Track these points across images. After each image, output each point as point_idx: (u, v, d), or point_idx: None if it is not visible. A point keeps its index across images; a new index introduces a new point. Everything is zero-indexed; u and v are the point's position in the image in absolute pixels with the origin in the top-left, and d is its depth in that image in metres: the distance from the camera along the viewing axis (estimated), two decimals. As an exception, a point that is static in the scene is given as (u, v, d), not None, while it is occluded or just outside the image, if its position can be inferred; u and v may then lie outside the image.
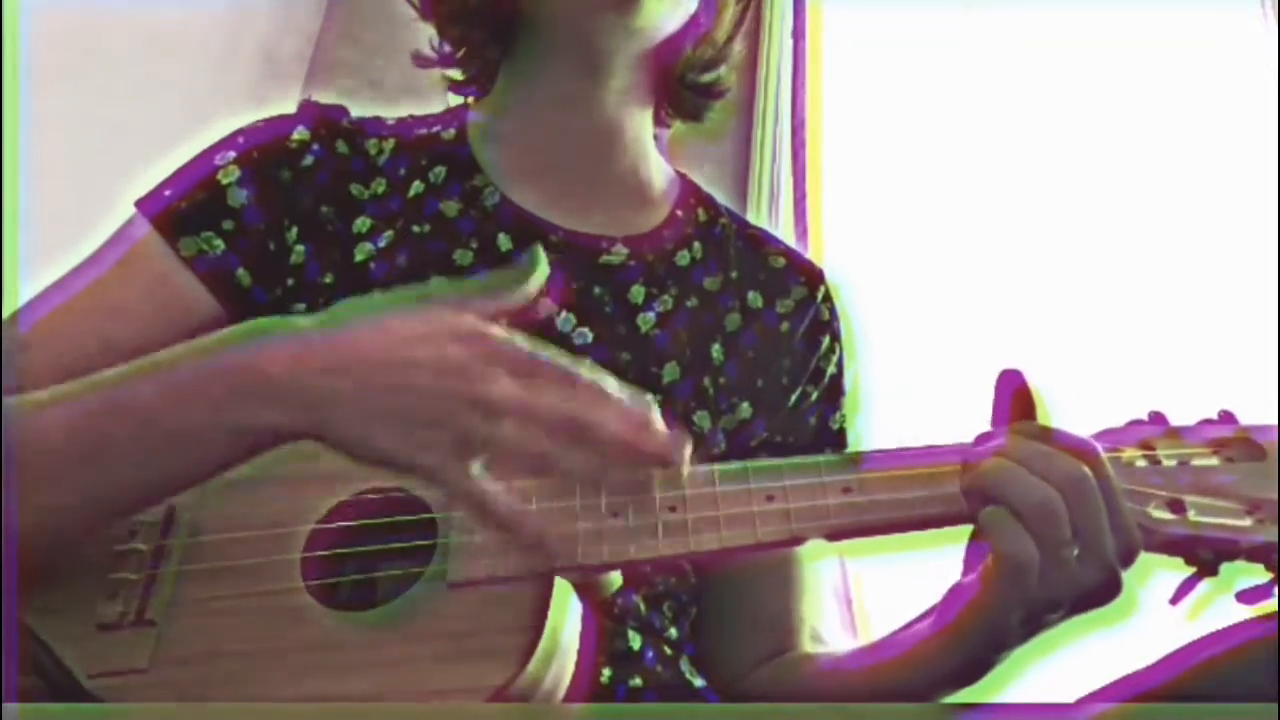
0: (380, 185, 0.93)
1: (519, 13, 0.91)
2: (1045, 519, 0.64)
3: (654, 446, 0.62)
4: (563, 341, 0.88)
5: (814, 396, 0.97)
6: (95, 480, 0.65)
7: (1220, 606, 0.68)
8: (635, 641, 0.81)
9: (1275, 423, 0.71)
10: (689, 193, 1.02)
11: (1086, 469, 0.65)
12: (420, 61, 0.99)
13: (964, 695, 0.74)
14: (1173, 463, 0.69)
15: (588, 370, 0.62)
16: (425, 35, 0.98)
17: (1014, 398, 0.70)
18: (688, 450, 0.63)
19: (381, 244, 0.90)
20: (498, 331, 0.62)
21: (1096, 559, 0.64)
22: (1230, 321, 1.65)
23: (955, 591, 0.71)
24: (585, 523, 0.67)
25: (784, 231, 1.95)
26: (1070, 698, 0.65)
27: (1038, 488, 0.65)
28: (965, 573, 0.71)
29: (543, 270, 0.65)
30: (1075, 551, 0.64)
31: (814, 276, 1.01)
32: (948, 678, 0.73)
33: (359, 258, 0.89)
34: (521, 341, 0.62)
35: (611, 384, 0.63)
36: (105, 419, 0.65)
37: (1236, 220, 1.76)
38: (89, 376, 0.68)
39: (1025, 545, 0.64)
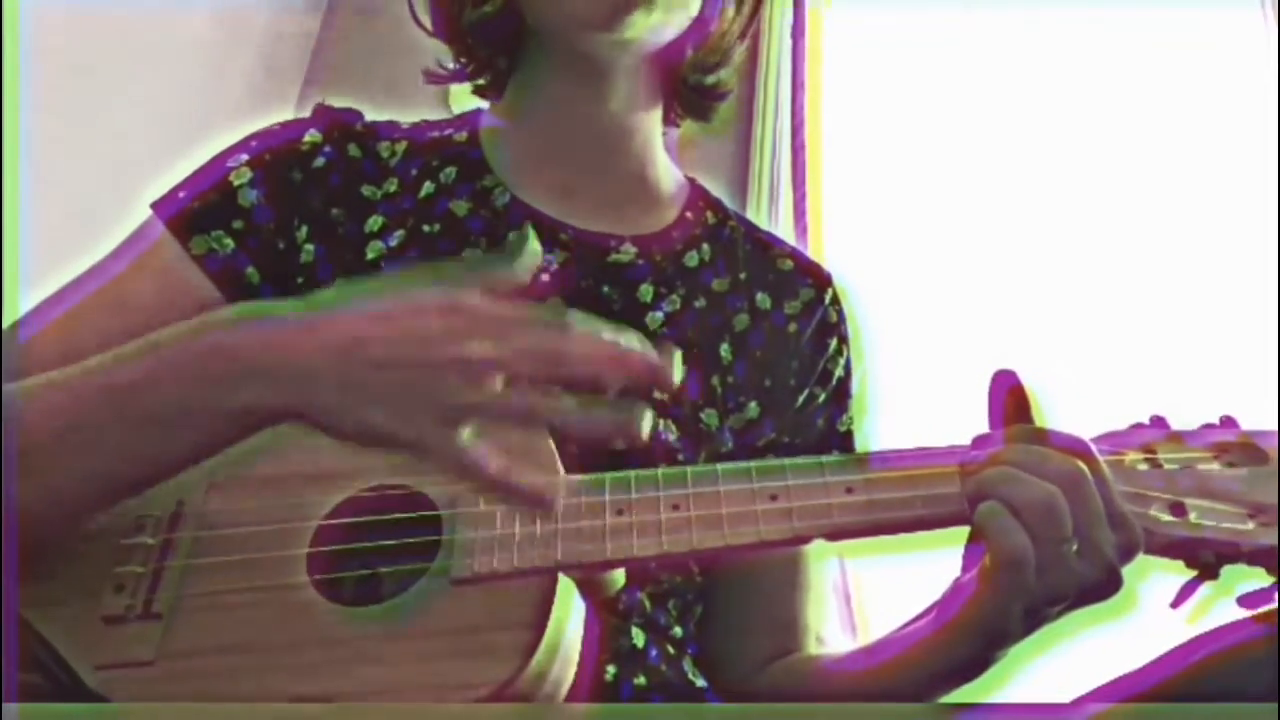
0: (392, 184, 0.93)
1: (524, 27, 0.92)
2: (1044, 516, 0.64)
3: (640, 365, 0.61)
4: None
5: (821, 398, 0.97)
6: (83, 464, 0.65)
7: (1221, 610, 0.68)
8: (639, 639, 0.82)
9: (1276, 427, 0.71)
10: (698, 195, 1.03)
11: (1082, 466, 0.66)
12: (431, 78, 1.00)
13: (963, 693, 0.74)
14: (1174, 466, 0.70)
15: (566, 314, 0.61)
16: (425, 38, 0.99)
17: (1008, 398, 0.70)
18: (678, 366, 0.61)
19: (393, 243, 0.90)
20: (473, 300, 0.61)
21: (1096, 554, 0.65)
22: (1231, 323, 1.65)
23: (954, 589, 0.71)
24: (589, 520, 0.67)
25: (784, 231, 1.95)
26: (1069, 698, 0.65)
27: (1036, 486, 0.65)
28: (964, 573, 0.71)
29: (533, 250, 0.65)
30: (1075, 548, 0.65)
31: (822, 279, 1.02)
32: (947, 675, 0.74)
33: (370, 256, 0.89)
34: (499, 306, 0.61)
35: (596, 325, 0.61)
36: (92, 402, 0.65)
37: (1237, 222, 1.76)
38: (79, 363, 0.68)
39: (1020, 540, 0.64)
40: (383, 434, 0.61)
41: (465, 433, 0.60)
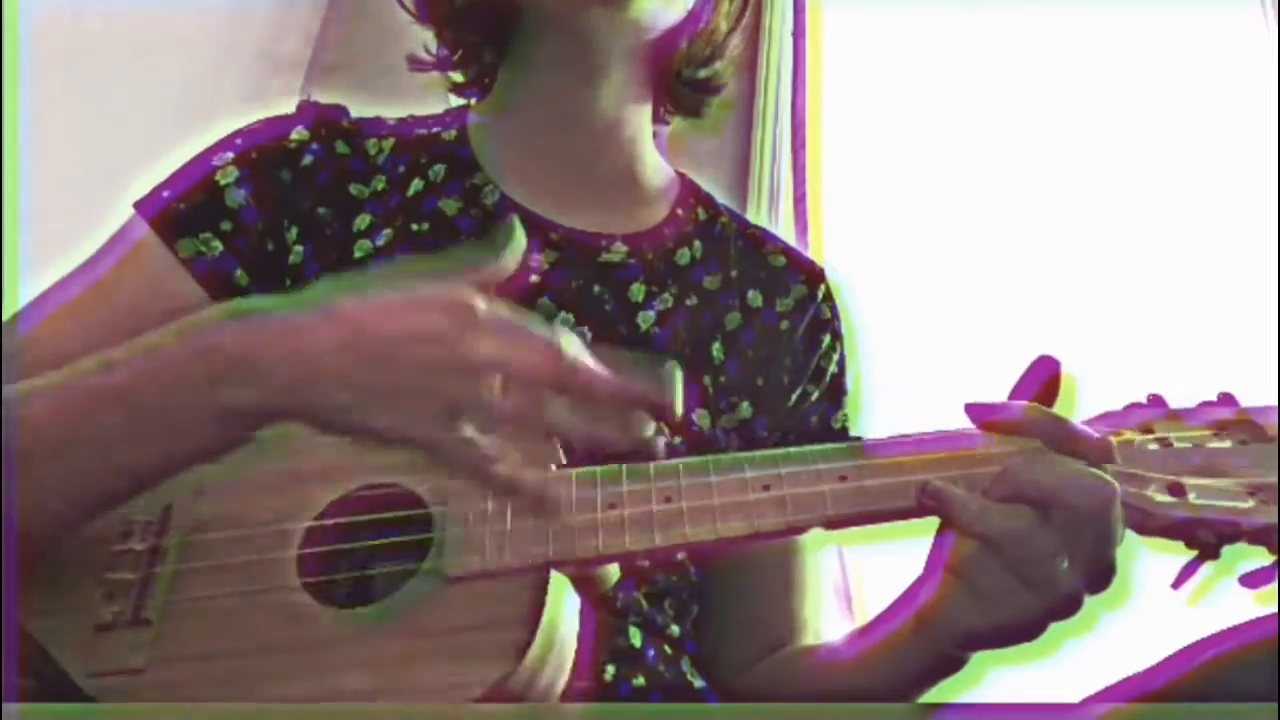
0: (380, 182, 0.93)
1: (514, 14, 0.90)
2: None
3: (642, 395, 0.61)
4: None
5: (815, 396, 0.96)
6: (75, 471, 0.64)
7: (1223, 590, 0.67)
8: (636, 638, 0.81)
9: (1275, 405, 0.71)
10: (689, 192, 1.02)
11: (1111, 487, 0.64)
12: (416, 65, 0.99)
13: (963, 692, 0.74)
14: (1172, 445, 0.69)
15: (566, 339, 0.61)
16: (424, 35, 0.98)
17: (1044, 385, 0.69)
18: (679, 392, 0.61)
19: (380, 242, 0.89)
20: (474, 298, 0.60)
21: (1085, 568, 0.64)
22: (1231, 325, 1.64)
23: (927, 584, 0.70)
24: (580, 515, 0.67)
25: (784, 231, 1.95)
26: (1070, 697, 0.64)
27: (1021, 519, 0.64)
28: (929, 564, 0.70)
29: (519, 242, 0.64)
30: (1065, 563, 0.64)
31: (814, 275, 1.01)
32: (928, 671, 0.73)
33: (358, 255, 0.89)
34: (500, 307, 0.61)
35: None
36: (86, 406, 0.64)
37: (1236, 221, 1.76)
38: (72, 365, 0.67)
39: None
40: (387, 433, 0.60)
41: (469, 430, 0.59)
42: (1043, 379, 0.69)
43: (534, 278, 0.90)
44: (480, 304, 0.60)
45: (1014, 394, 0.70)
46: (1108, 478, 0.64)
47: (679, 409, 0.61)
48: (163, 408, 0.63)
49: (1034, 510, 0.64)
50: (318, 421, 0.61)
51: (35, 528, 0.66)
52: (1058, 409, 0.69)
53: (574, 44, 0.89)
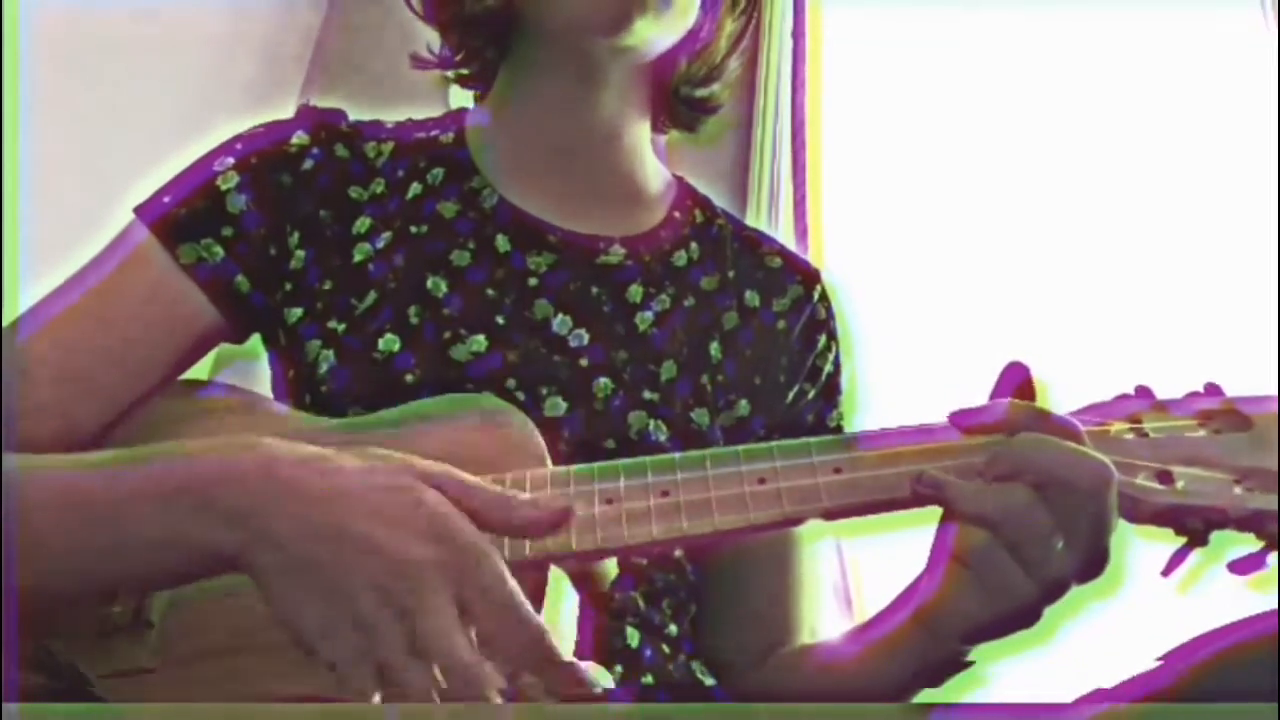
0: (379, 185, 0.93)
1: (518, 20, 0.91)
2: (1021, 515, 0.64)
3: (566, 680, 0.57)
4: (559, 344, 0.88)
5: (811, 395, 0.97)
6: (48, 570, 0.62)
7: (1212, 578, 0.68)
8: (634, 639, 0.81)
9: (1260, 394, 0.71)
10: (686, 195, 1.02)
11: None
12: (419, 63, 0.99)
13: (961, 689, 0.74)
14: (1160, 435, 0.69)
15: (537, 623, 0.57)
16: (426, 34, 0.98)
17: (1016, 392, 0.70)
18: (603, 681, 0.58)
19: (379, 245, 0.90)
20: (483, 556, 0.57)
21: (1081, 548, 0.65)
22: (1230, 324, 1.64)
23: (928, 581, 0.70)
24: (578, 510, 0.67)
25: (784, 231, 1.95)
26: (1069, 697, 0.65)
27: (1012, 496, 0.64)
28: (932, 557, 0.70)
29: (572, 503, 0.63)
30: (1060, 543, 0.64)
31: (810, 276, 1.01)
32: (929, 668, 0.73)
33: (357, 258, 0.89)
34: (487, 561, 0.57)
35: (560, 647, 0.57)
36: (57, 515, 0.61)
37: (1236, 221, 1.76)
38: (54, 457, 0.66)
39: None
40: (303, 639, 0.57)
41: (377, 696, 0.56)
42: (1014, 385, 0.70)
43: (531, 280, 0.91)
44: (469, 545, 0.57)
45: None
46: (1105, 460, 0.64)
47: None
48: (138, 536, 0.60)
49: (1030, 488, 0.64)
50: (260, 588, 0.58)
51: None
52: None
53: (573, 58, 0.89)
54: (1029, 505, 0.64)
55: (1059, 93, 1.97)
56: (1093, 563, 0.65)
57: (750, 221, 1.15)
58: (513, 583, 0.57)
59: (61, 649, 0.69)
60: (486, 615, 0.56)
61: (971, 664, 0.73)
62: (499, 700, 0.55)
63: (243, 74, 2.12)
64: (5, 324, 0.85)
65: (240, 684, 0.66)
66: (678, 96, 0.96)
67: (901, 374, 1.62)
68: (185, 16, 1.96)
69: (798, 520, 0.68)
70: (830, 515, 0.68)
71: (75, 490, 0.62)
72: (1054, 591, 0.65)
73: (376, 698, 0.56)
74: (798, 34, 2.12)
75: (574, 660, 0.58)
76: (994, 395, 0.70)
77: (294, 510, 0.57)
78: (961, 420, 0.68)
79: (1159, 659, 0.62)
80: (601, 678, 0.58)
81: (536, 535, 0.63)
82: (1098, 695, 0.63)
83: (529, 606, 0.57)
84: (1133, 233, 1.83)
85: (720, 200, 1.06)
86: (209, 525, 0.58)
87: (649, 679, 0.80)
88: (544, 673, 0.57)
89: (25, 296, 0.88)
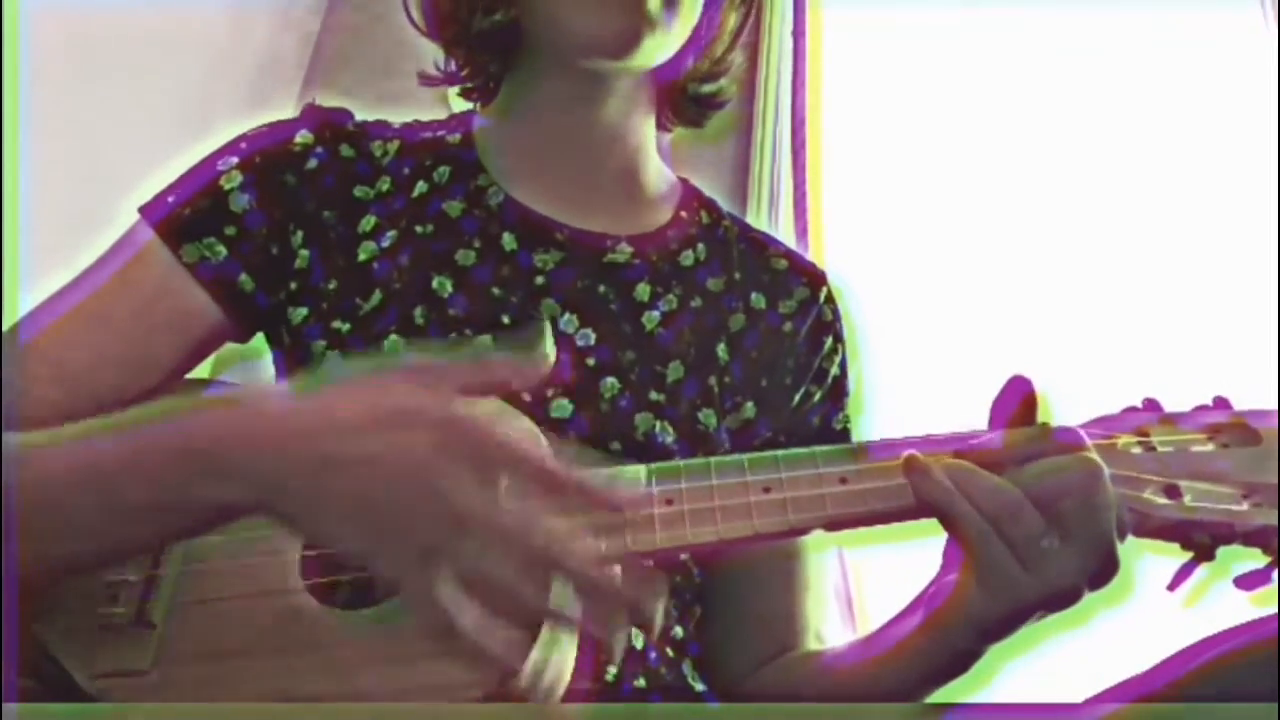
0: (385, 184, 0.93)
1: (523, 35, 0.91)
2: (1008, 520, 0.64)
3: (627, 591, 0.57)
4: (567, 342, 0.88)
5: (817, 397, 0.97)
6: (51, 541, 0.63)
7: (1218, 592, 0.68)
8: (639, 640, 0.81)
9: (1271, 408, 0.71)
10: (692, 196, 1.03)
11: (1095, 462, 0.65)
12: (425, 80, 0.99)
13: (959, 687, 0.74)
14: (1168, 449, 0.69)
15: (566, 465, 0.58)
16: (425, 36, 0.98)
17: (1020, 404, 0.70)
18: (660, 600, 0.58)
19: (385, 243, 0.90)
20: (472, 416, 0.57)
21: (1087, 543, 0.65)
22: (1231, 327, 1.64)
23: (938, 586, 0.71)
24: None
25: (784, 232, 1.95)
26: (1071, 698, 0.65)
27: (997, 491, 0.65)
28: (944, 566, 0.71)
29: (548, 349, 0.63)
30: (1054, 542, 0.64)
31: (816, 278, 1.02)
32: (937, 672, 0.73)
33: (362, 257, 0.89)
34: (500, 431, 0.57)
35: (599, 477, 0.58)
36: (65, 483, 0.63)
37: (1236, 221, 1.76)
38: (58, 429, 0.66)
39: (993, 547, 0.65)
40: (361, 561, 0.58)
41: (444, 585, 0.55)
42: (1018, 400, 0.70)
43: (539, 279, 0.90)
44: (473, 428, 0.57)
45: (991, 419, 0.71)
46: (1093, 457, 0.65)
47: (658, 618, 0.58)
48: (142, 498, 0.61)
49: (1018, 488, 0.65)
50: (282, 522, 0.60)
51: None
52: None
53: (579, 73, 0.90)
54: (1020, 501, 0.64)
55: (1059, 93, 1.97)
56: (1100, 568, 0.65)
57: (750, 221, 1.15)
58: (502, 427, 0.57)
59: (58, 645, 0.69)
60: (502, 461, 0.57)
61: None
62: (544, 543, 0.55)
63: (242, 75, 2.12)
64: (7, 324, 0.85)
65: (235, 688, 0.66)
66: (685, 94, 0.96)
67: (901, 374, 1.62)
68: (185, 16, 1.95)
69: (803, 530, 0.68)
70: (835, 525, 0.68)
71: (81, 461, 0.63)
72: (1065, 595, 0.65)
73: (445, 586, 0.55)
74: (798, 34, 2.13)
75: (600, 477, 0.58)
76: (996, 410, 0.71)
77: (295, 449, 0.58)
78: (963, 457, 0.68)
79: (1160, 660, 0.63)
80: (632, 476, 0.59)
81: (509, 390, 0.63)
82: (1099, 696, 0.63)
83: (534, 440, 0.58)
84: (1132, 231, 1.83)
85: (720, 200, 1.06)
86: (218, 485, 0.59)
87: (641, 682, 0.80)
88: (571, 493, 0.57)
89: (25, 296, 0.88)
